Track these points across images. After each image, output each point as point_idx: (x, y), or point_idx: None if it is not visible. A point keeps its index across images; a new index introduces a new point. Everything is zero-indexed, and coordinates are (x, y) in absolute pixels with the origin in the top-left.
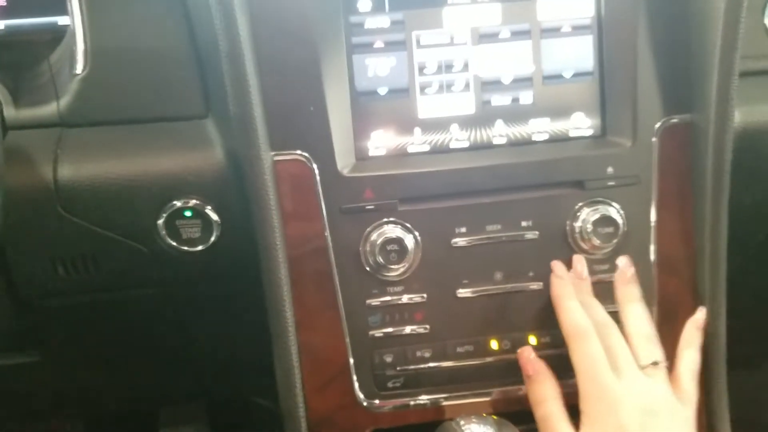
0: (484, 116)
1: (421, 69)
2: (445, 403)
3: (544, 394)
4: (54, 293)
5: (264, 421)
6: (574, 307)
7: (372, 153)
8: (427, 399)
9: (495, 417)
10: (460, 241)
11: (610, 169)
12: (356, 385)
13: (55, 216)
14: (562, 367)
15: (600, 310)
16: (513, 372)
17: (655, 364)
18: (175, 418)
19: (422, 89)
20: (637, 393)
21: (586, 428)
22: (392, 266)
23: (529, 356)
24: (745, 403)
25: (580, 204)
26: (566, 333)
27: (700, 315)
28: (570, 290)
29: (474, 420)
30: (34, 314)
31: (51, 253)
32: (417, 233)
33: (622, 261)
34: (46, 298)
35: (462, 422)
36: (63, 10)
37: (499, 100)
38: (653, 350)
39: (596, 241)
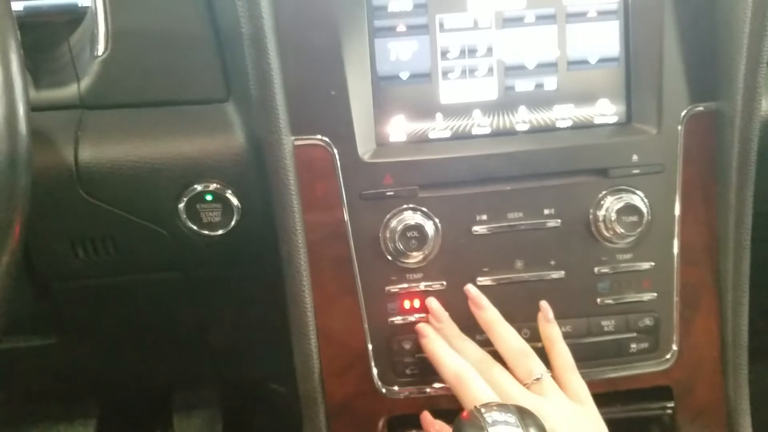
0: (507, 102)
1: (444, 53)
2: None
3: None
4: (73, 275)
5: (277, 407)
6: (449, 354)
7: (393, 138)
8: (445, 387)
9: (516, 405)
10: (480, 229)
11: (635, 157)
12: (374, 371)
13: (76, 198)
14: (580, 356)
15: (473, 349)
16: None
17: (537, 379)
18: (189, 402)
19: (444, 74)
20: None
21: None
22: (412, 253)
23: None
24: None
25: (604, 192)
26: (450, 382)
27: (545, 305)
28: (440, 343)
29: (495, 407)
30: (52, 296)
31: (71, 234)
32: (437, 220)
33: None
34: (64, 280)
35: (483, 409)
36: None
37: (523, 85)
38: (531, 364)
39: (620, 230)
